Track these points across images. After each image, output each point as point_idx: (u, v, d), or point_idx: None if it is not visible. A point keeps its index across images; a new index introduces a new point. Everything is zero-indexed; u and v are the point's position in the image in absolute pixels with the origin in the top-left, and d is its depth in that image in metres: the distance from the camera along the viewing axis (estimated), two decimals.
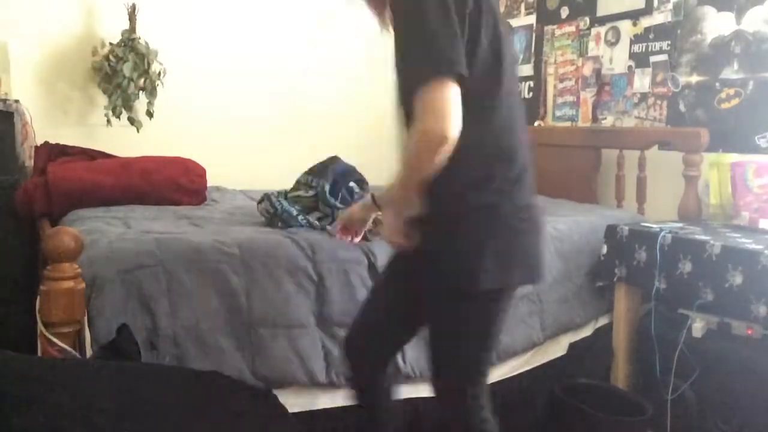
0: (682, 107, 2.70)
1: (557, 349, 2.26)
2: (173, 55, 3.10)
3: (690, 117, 2.66)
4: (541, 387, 2.14)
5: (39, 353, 1.40)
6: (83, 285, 1.42)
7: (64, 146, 2.79)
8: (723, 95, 2.53)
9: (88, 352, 1.46)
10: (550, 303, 2.17)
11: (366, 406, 1.61)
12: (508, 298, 1.37)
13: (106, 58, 2.94)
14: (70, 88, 3.06)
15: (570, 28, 3.25)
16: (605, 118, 3.06)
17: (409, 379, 1.84)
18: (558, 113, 3.34)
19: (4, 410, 0.98)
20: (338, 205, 2.00)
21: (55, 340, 1.34)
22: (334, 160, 2.14)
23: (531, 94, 3.50)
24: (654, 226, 2.21)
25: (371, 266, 1.86)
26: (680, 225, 2.25)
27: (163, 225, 2.09)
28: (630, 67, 2.92)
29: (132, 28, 2.98)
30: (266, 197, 2.10)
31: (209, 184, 2.77)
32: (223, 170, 3.08)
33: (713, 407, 1.95)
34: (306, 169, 2.18)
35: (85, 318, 1.48)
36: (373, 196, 1.52)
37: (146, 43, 2.99)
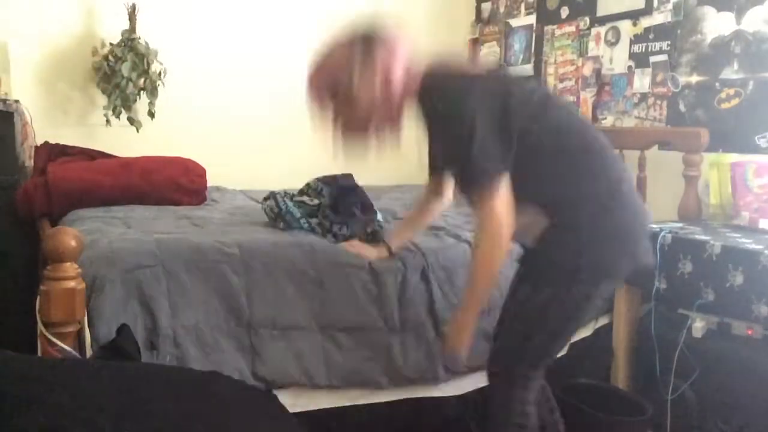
0: (682, 107, 2.70)
1: None
2: (173, 55, 3.10)
3: (690, 117, 2.66)
4: None
5: (39, 353, 1.40)
6: (83, 285, 1.42)
7: (64, 146, 2.79)
8: (723, 95, 2.53)
9: (88, 352, 1.46)
10: None
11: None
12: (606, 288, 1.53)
13: (106, 58, 2.94)
14: (70, 88, 3.06)
15: (570, 28, 3.25)
16: (605, 118, 3.06)
17: (409, 380, 1.84)
18: None
19: (4, 410, 0.97)
20: (337, 232, 1.98)
21: (55, 340, 1.34)
22: (347, 176, 2.13)
23: None
24: (654, 226, 2.20)
25: (372, 270, 1.84)
26: (680, 225, 2.25)
27: (164, 225, 2.09)
28: (630, 67, 2.92)
29: (132, 28, 2.98)
30: (272, 196, 2.10)
31: (209, 184, 2.76)
32: (223, 170, 3.08)
33: (713, 407, 1.95)
34: (311, 172, 2.15)
35: (85, 318, 1.48)
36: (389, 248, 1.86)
37: (146, 43, 2.99)
